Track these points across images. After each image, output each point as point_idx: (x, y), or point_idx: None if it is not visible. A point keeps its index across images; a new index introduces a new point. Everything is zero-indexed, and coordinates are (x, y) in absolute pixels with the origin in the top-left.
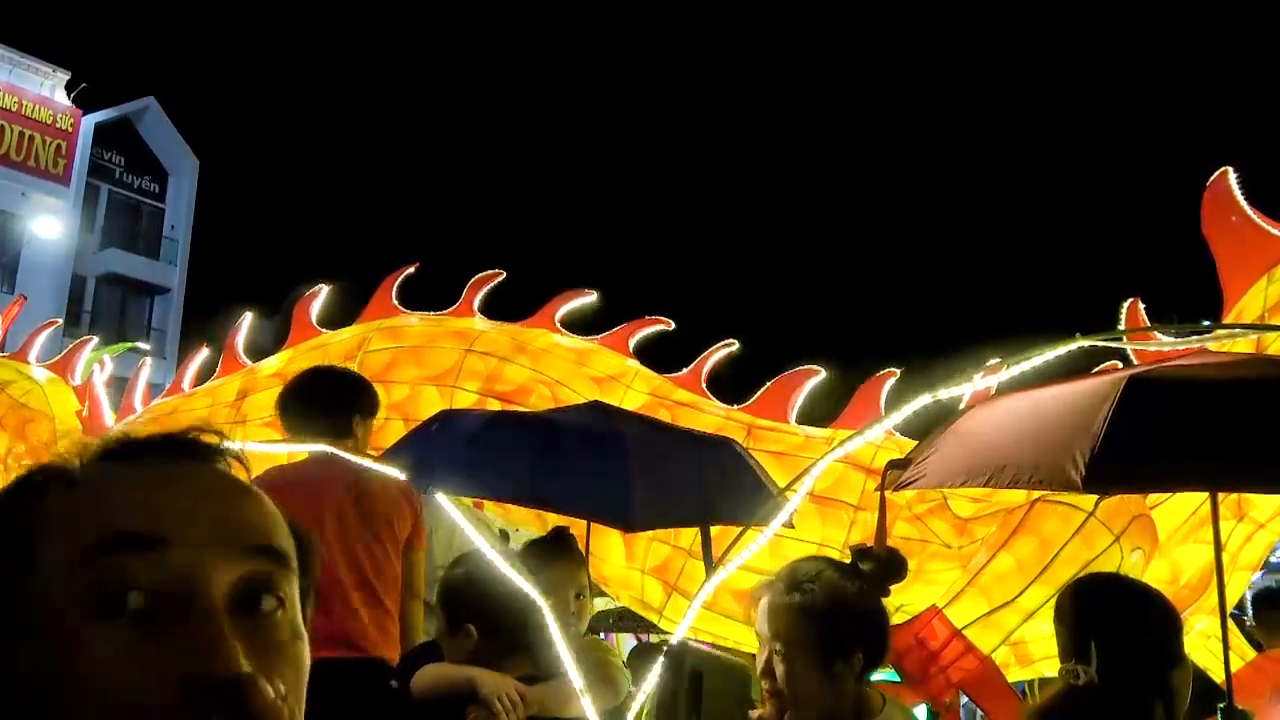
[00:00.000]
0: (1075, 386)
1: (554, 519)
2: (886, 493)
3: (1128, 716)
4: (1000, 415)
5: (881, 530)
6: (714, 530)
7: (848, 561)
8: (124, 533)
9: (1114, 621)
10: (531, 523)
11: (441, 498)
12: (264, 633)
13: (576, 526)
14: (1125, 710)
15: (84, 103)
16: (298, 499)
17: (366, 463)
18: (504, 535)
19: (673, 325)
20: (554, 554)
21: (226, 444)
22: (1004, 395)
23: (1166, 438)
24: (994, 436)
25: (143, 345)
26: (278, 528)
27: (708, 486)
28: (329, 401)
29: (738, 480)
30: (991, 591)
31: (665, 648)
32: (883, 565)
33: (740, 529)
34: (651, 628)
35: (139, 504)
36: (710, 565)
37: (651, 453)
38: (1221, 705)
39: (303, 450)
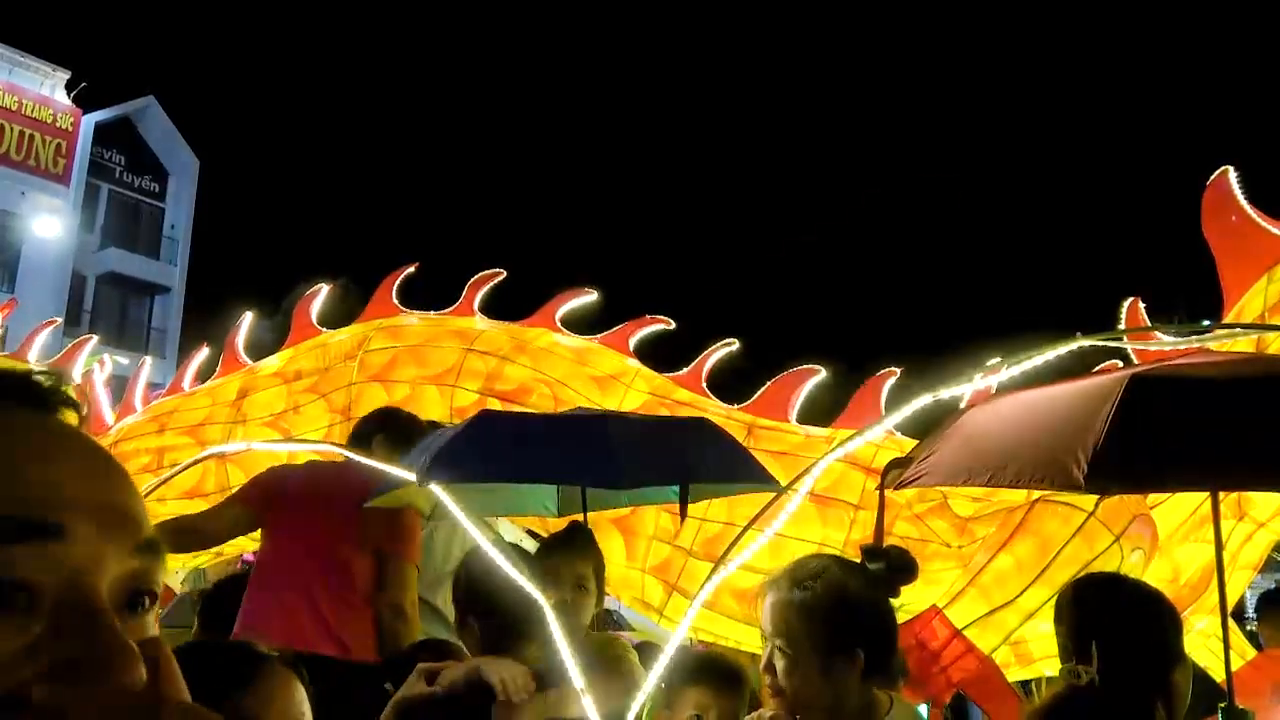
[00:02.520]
0: (1077, 385)
1: (554, 522)
2: (887, 491)
3: (1129, 716)
4: (1002, 414)
5: (879, 529)
6: (715, 529)
7: (857, 561)
8: (15, 519)
9: (1114, 621)
10: (533, 522)
11: (441, 493)
12: (142, 636)
13: None
14: (1127, 710)
15: (84, 102)
16: (292, 496)
17: (373, 463)
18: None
19: (673, 325)
20: (559, 545)
21: (65, 385)
22: (1005, 394)
23: (1169, 437)
24: (996, 435)
25: (121, 359)
26: (148, 511)
27: (686, 448)
28: (361, 424)
29: (716, 443)
30: (992, 591)
31: None
32: (892, 565)
33: (741, 529)
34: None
35: (25, 480)
36: (685, 518)
37: (628, 425)
38: (1223, 705)
39: (305, 450)
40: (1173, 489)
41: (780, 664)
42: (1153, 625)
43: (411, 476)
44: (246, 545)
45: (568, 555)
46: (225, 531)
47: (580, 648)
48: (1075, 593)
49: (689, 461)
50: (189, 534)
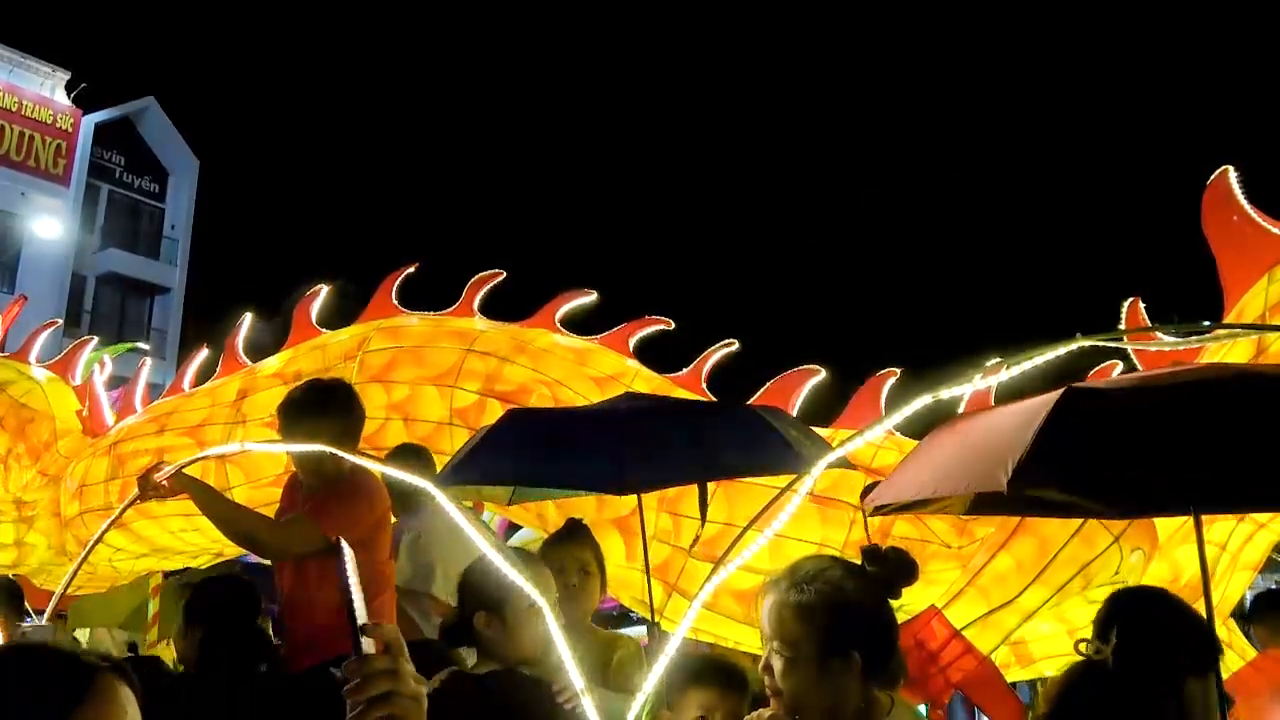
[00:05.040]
0: (1024, 402)
1: (554, 520)
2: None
3: (1136, 701)
4: (952, 433)
5: (867, 534)
6: (714, 529)
7: (857, 562)
8: None
9: (1139, 616)
10: (532, 522)
11: (439, 494)
12: None
13: None
14: (1135, 694)
15: (84, 103)
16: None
17: (373, 464)
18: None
19: (673, 325)
20: (560, 540)
21: None
22: (963, 416)
23: (1096, 449)
24: (941, 452)
25: (143, 345)
26: None
27: (711, 442)
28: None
29: (748, 432)
30: (991, 592)
31: None
32: (892, 567)
33: (741, 530)
34: None
35: None
36: (705, 518)
37: (647, 416)
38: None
39: (303, 450)
40: (1099, 507)
41: (778, 665)
42: (1177, 630)
43: (412, 479)
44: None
45: (569, 546)
46: (297, 553)
47: (586, 635)
48: (1114, 594)
49: (706, 458)
50: (258, 547)
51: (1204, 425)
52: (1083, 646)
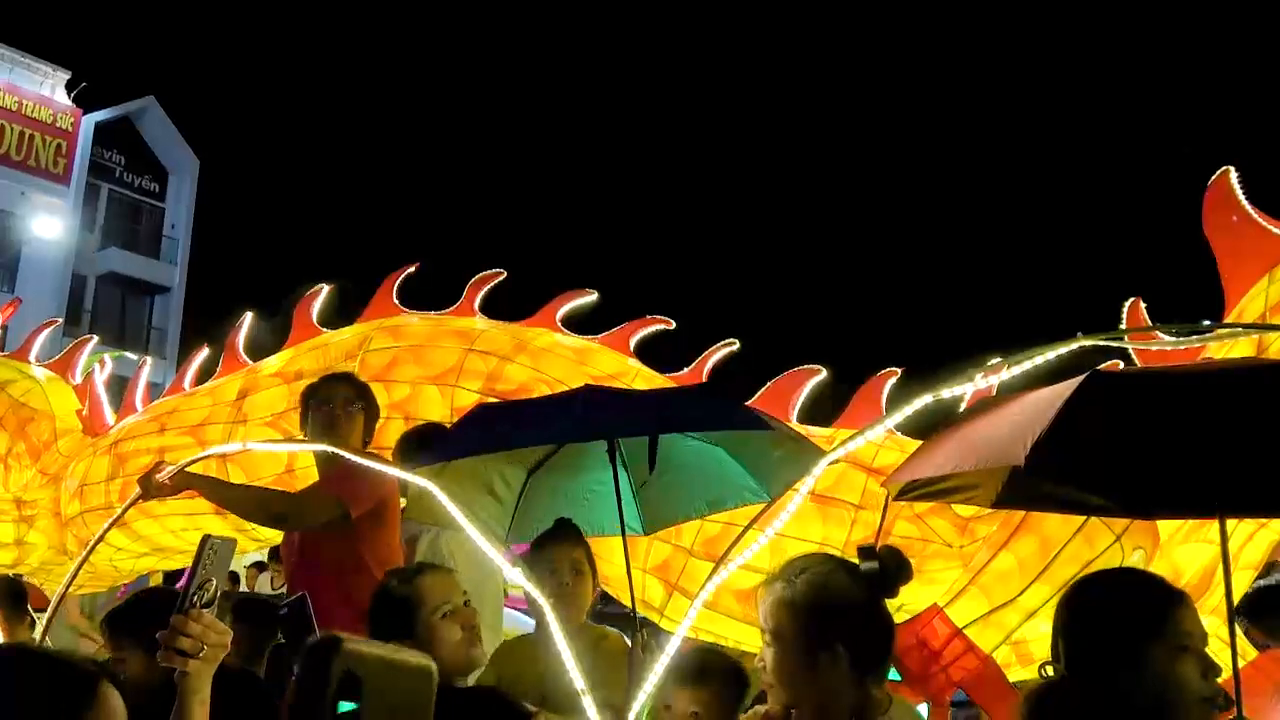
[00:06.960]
0: (1055, 386)
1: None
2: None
3: (1096, 697)
4: (974, 418)
5: (880, 531)
6: (715, 529)
7: (854, 561)
8: None
9: (1072, 621)
10: None
11: (439, 493)
12: None
13: None
14: (1075, 710)
15: (84, 102)
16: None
17: (367, 462)
18: None
19: (673, 325)
20: (550, 538)
21: None
22: (1003, 398)
23: (1125, 432)
24: (963, 434)
25: (130, 355)
26: None
27: (667, 398)
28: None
29: (703, 396)
30: (992, 590)
31: None
32: (886, 566)
33: (741, 529)
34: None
35: None
36: (653, 467)
37: (605, 390)
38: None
39: (305, 450)
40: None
41: (768, 658)
42: (1104, 626)
43: (411, 478)
44: (248, 546)
45: (560, 545)
46: (316, 520)
47: (581, 633)
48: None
49: (666, 406)
50: (280, 520)
51: (1237, 420)
52: (1048, 670)
